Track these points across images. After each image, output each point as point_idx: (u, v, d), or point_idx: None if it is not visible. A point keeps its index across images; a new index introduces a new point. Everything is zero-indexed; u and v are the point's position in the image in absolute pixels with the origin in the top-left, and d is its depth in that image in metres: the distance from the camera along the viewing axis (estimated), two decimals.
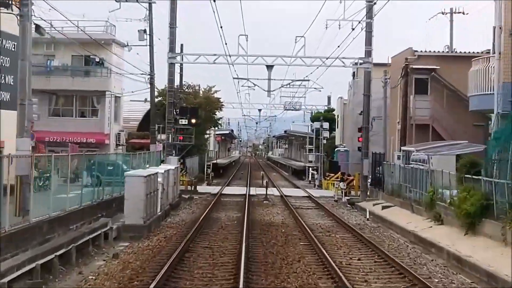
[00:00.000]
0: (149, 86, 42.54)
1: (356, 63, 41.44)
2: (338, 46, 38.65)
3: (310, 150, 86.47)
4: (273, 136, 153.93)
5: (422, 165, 31.04)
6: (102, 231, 21.57)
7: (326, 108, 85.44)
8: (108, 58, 49.37)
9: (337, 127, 71.12)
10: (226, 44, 36.75)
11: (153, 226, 25.57)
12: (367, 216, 31.38)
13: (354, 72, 63.85)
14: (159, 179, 27.82)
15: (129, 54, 56.41)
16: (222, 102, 69.10)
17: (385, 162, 39.35)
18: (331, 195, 43.79)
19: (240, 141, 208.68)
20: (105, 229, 22.10)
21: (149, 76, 42.18)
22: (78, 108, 52.11)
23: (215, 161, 70.44)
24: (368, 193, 40.86)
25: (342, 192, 41.83)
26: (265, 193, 40.93)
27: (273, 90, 42.05)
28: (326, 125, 56.98)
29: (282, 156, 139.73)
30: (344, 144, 65.81)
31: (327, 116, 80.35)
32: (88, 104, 52.94)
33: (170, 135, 40.82)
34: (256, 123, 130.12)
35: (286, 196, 42.23)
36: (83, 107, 52.79)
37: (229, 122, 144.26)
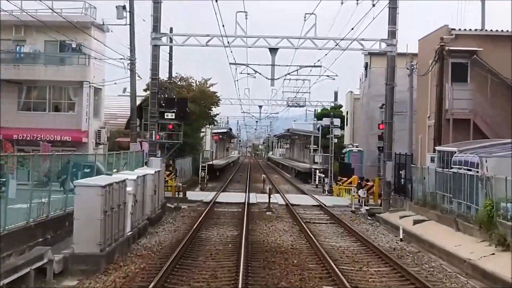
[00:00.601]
0: (132, 74, 35.71)
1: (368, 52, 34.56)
2: (352, 28, 32.10)
3: (315, 151, 79.71)
4: (274, 136, 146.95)
5: (470, 170, 24.20)
6: (31, 268, 14.67)
7: (332, 104, 78.50)
8: (87, 44, 42.59)
9: (346, 125, 64.24)
10: (223, 26, 29.85)
11: (116, 253, 18.70)
12: (400, 235, 24.44)
13: (366, 63, 56.99)
14: (129, 189, 20.95)
15: (112, 40, 49.37)
16: (218, 97, 62.23)
17: (413, 165, 32.51)
18: (346, 203, 36.94)
19: (240, 140, 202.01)
20: (39, 264, 15.24)
21: (129, 62, 35.36)
22: (51, 101, 45.27)
23: (210, 162, 63.54)
24: (390, 202, 33.99)
25: (360, 200, 34.96)
26: (267, 201, 34.01)
27: (278, 78, 35.15)
28: (337, 121, 49.99)
29: (283, 157, 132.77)
30: (355, 144, 58.95)
31: (334, 113, 73.49)
32: (63, 96, 46.15)
33: (153, 132, 33.89)
34: (256, 121, 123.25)
35: (292, 205, 35.37)
36: (57, 100, 45.99)
37: (228, 121, 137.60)
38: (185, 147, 57.81)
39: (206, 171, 59.68)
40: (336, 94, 78.65)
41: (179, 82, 58.71)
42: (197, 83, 60.14)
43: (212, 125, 69.35)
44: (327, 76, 38.33)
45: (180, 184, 35.15)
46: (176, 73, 59.54)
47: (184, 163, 53.87)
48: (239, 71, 36.29)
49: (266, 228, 26.05)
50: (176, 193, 36.01)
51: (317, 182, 56.73)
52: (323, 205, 35.73)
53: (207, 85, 60.16)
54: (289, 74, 36.04)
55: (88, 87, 44.66)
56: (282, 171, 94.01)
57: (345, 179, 43.46)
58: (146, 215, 24.98)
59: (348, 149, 50.53)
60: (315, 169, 59.97)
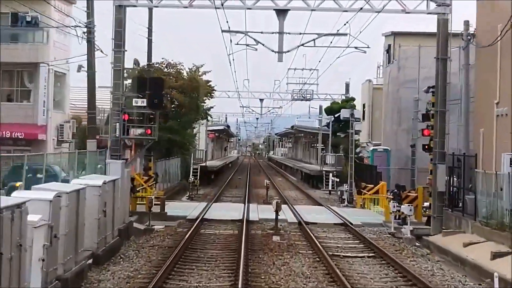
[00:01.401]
0: (90, 46, 26.37)
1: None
2: None
3: (322, 150, 70.48)
4: (276, 134, 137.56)
5: None
6: None
7: (343, 97, 69.15)
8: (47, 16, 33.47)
9: (363, 120, 54.95)
10: None
11: None
12: (496, 286, 15.10)
13: (389, 45, 47.81)
14: (34, 218, 11.73)
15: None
16: (213, 87, 52.95)
17: (477, 170, 23.33)
18: (378, 221, 27.76)
19: (239, 139, 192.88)
20: None
21: (86, 31, 26.04)
22: (0, 88, 36.08)
23: (204, 164, 54.30)
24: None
25: (397, 217, 25.65)
26: (273, 217, 24.72)
27: (287, 51, 25.80)
28: (358, 114, 40.57)
29: (286, 157, 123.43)
30: (373, 142, 49.78)
31: (346, 107, 64.21)
32: (16, 82, 37.09)
33: (117, 125, 24.58)
34: (257, 118, 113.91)
35: (307, 223, 26.15)
36: (8, 87, 36.96)
37: (226, 118, 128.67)
38: (173, 146, 48.68)
39: (198, 174, 50.48)
40: (347, 85, 69.26)
41: (165, 69, 49.43)
42: (188, 70, 50.83)
43: (206, 120, 59.86)
44: (355, 48, 29.15)
45: (153, 196, 25.69)
46: (163, 58, 50.34)
47: (170, 166, 44.67)
48: (235, 41, 26.87)
49: (274, 270, 16.76)
50: (151, 207, 26.62)
51: (330, 188, 47.47)
52: (348, 223, 26.46)
53: (199, 73, 50.88)
54: (303, 45, 26.65)
55: (46, 70, 35.63)
56: (285, 172, 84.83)
57: (371, 186, 34.23)
58: (85, 254, 15.77)
59: (371, 148, 41.22)
60: (327, 172, 50.77)
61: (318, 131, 71.48)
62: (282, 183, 59.88)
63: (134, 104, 24.88)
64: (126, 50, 25.25)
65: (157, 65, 48.76)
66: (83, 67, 27.34)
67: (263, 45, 25.80)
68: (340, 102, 67.60)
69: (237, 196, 42.54)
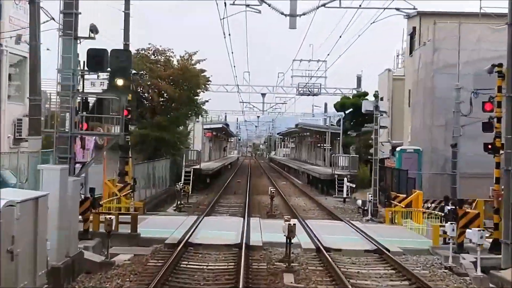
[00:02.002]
0: (34, 8, 19.44)
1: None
2: None
3: (330, 150, 63.61)
4: (278, 134, 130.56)
5: None
6: None
7: (354, 92, 62.27)
8: None
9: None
10: None
11: None
12: None
13: (413, 28, 41.00)
14: None
15: None
16: (208, 77, 46.10)
17: None
18: (420, 244, 20.81)
19: (239, 139, 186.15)
20: None
21: None
22: None
23: (197, 166, 47.33)
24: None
25: (450, 240, 18.67)
26: (282, 240, 17.80)
27: (302, 14, 18.83)
28: (384, 106, 33.35)
29: (288, 157, 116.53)
30: (394, 141, 42.97)
31: (357, 102, 57.37)
32: None
33: (68, 114, 17.62)
34: (258, 116, 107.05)
35: (328, 249, 19.22)
36: None
37: (226, 117, 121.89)
38: (161, 146, 41.79)
39: (191, 179, 43.70)
40: (359, 79, 62.42)
41: (153, 56, 42.68)
42: (179, 58, 44.04)
43: (200, 116, 52.83)
44: (397, 9, 22.22)
45: (113, 217, 18.63)
46: (149, 43, 43.61)
47: (157, 168, 37.82)
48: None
49: None
50: (110, 231, 19.61)
51: (344, 195, 40.53)
52: (385, 250, 19.49)
53: (192, 61, 44.06)
54: (324, 6, 19.69)
55: None
56: (289, 174, 77.88)
57: (402, 196, 27.25)
58: None
59: (399, 148, 34.18)
60: (341, 176, 43.88)
61: (326, 130, 64.63)
62: (286, 188, 52.94)
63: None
64: (80, 13, 18.27)
65: (143, 51, 42.03)
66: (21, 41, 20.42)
67: (269, 5, 18.80)
68: (351, 97, 60.73)
69: (235, 206, 35.63)
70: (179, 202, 33.06)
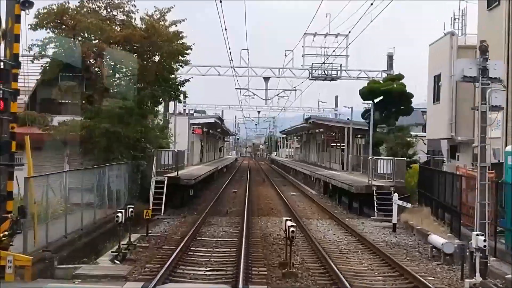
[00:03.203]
0: None
1: None
2: None
3: (342, 151, 49.85)
4: (281, 132, 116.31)
5: None
6: None
7: (384, 75, 48.19)
8: None
9: (434, 102, 34.12)
10: None
11: None
12: None
13: None
14: None
15: None
16: (189, 46, 31.74)
17: None
18: None
19: (238, 139, 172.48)
20: None
21: None
22: None
23: (174, 174, 33.10)
24: None
25: None
26: None
27: None
28: (498, 68, 19.16)
29: (293, 159, 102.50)
30: (460, 138, 29.10)
31: (390, 88, 43.56)
32: None
33: None
34: (258, 112, 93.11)
35: None
36: None
37: (222, 112, 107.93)
38: (116, 145, 27.84)
39: (164, 193, 29.94)
40: (390, 58, 48.35)
41: (105, 11, 28.50)
42: (145, 16, 29.99)
43: (178, 102, 38.12)
44: None
45: None
46: None
47: (105, 179, 23.79)
48: None
49: None
50: None
51: (394, 220, 26.43)
52: None
53: (164, 21, 30.02)
54: None
55: None
56: (296, 180, 63.91)
57: None
58: None
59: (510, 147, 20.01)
60: (382, 188, 29.94)
61: (344, 125, 50.68)
62: (299, 202, 38.93)
63: None
64: None
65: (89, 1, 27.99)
66: None
67: None
68: (381, 81, 46.70)
69: (224, 247, 21.42)
70: (122, 245, 18.91)
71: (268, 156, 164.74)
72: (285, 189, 50.76)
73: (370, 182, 31.17)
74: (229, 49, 33.97)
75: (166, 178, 31.66)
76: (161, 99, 31.23)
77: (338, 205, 37.80)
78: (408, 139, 42.53)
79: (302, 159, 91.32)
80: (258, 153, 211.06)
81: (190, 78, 34.28)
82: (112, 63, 28.01)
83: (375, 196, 30.33)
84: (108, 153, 27.08)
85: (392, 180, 31.09)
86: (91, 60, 26.64)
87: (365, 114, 45.54)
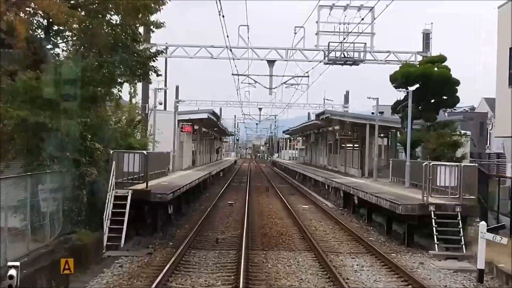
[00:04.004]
0: None
1: None
2: None
3: (360, 152, 40.64)
4: (285, 132, 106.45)
5: None
6: None
7: (420, 58, 38.37)
8: None
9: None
10: None
11: None
12: None
13: None
14: None
15: None
16: None
17: None
18: None
19: (237, 140, 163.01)
20: None
21: None
22: None
23: (141, 186, 23.26)
24: None
25: None
26: None
27: None
28: None
29: (297, 161, 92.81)
30: None
31: (431, 72, 33.85)
32: None
33: None
34: (260, 108, 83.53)
35: None
36: None
37: (220, 110, 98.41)
38: (35, 142, 17.81)
39: (126, 216, 20.14)
40: (427, 36, 38.53)
41: None
42: None
43: (146, 81, 27.73)
44: None
45: None
46: None
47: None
48: None
49: None
50: None
51: (480, 264, 16.59)
52: None
53: None
54: None
55: None
56: (303, 186, 54.29)
57: None
58: None
59: None
60: (444, 208, 20.22)
61: (367, 122, 41.09)
62: (315, 221, 29.19)
63: None
64: None
65: None
66: None
67: None
68: (418, 64, 36.91)
69: None
70: None
71: (269, 158, 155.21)
72: (294, 200, 41.04)
73: (425, 199, 21.32)
74: (223, 16, 24.14)
75: (130, 192, 21.93)
76: (123, 78, 21.38)
77: (368, 225, 28.05)
78: (455, 138, 32.81)
79: (308, 162, 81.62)
80: (258, 154, 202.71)
81: (164, 49, 24.34)
82: (40, 18, 18.26)
83: (433, 220, 20.58)
84: (30, 156, 17.34)
85: (458, 197, 21.28)
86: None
87: (398, 106, 35.77)
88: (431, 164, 21.63)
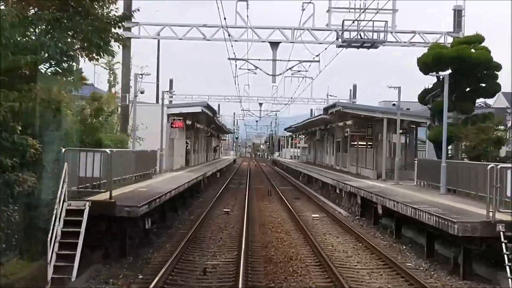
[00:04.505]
0: None
1: None
2: None
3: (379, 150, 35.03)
4: (286, 129, 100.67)
5: None
6: None
7: (450, 40, 32.55)
8: None
9: None
10: None
11: None
12: None
13: None
14: None
15: None
16: None
17: None
18: None
19: (237, 138, 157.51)
20: None
21: None
22: None
23: (104, 197, 17.53)
24: None
25: None
26: None
27: None
28: None
29: (300, 161, 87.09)
30: None
31: (467, 55, 27.95)
32: None
33: None
34: (260, 104, 77.87)
35: None
36: None
37: (219, 107, 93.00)
38: None
39: (80, 239, 14.17)
40: (459, 13, 32.67)
41: None
42: None
43: (108, 53, 22.04)
44: None
45: None
46: None
47: None
48: None
49: None
50: None
51: None
52: None
53: None
54: None
55: None
56: (308, 188, 48.62)
57: None
58: None
59: None
60: None
61: (383, 116, 35.47)
62: (330, 236, 23.42)
63: None
64: None
65: None
66: None
67: None
68: (450, 46, 31.07)
69: None
70: None
71: (269, 157, 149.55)
72: (300, 206, 35.30)
73: (491, 215, 15.51)
74: None
75: (87, 204, 16.20)
76: (75, 46, 15.60)
77: (397, 241, 22.26)
78: (499, 134, 27.06)
79: (311, 161, 75.92)
80: (258, 153, 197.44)
81: (137, 10, 18.54)
82: None
83: (504, 245, 14.80)
84: None
85: None
86: None
87: (426, 95, 29.97)
88: (498, 167, 15.79)
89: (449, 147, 30.33)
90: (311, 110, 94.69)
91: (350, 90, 76.21)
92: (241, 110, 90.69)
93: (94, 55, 16.22)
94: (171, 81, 71.92)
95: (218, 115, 79.44)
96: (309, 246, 20.82)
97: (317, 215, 30.20)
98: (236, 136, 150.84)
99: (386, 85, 38.99)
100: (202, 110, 42.01)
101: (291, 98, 70.15)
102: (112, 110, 25.27)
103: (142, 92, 30.86)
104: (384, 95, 31.52)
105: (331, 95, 78.94)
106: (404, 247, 21.34)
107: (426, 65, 28.78)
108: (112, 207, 16.78)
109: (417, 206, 19.50)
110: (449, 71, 28.84)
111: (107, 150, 17.19)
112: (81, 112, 21.22)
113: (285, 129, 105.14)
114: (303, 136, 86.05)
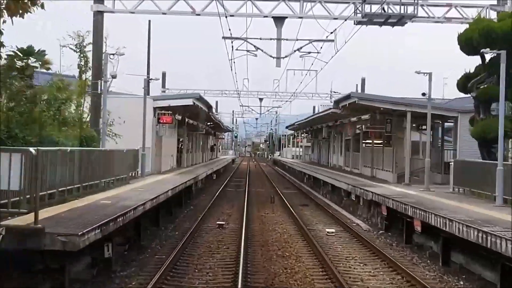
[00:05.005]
0: None
1: None
2: None
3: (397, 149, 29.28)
4: (288, 127, 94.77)
5: None
6: None
7: (493, 15, 26.74)
8: None
9: None
10: None
11: None
12: None
13: None
14: None
15: None
16: None
17: None
18: None
19: (236, 136, 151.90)
20: None
21: None
22: None
23: (11, 221, 11.89)
24: None
25: None
26: None
27: None
28: None
29: (303, 160, 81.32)
30: None
31: None
32: None
33: None
34: (260, 99, 72.16)
35: None
36: None
37: (217, 104, 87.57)
38: None
39: None
40: None
41: None
42: None
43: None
44: None
45: None
46: None
47: None
48: None
49: None
50: None
51: None
52: None
53: None
54: None
55: None
56: (315, 193, 42.99)
57: None
58: None
59: None
60: None
61: (407, 109, 29.69)
62: (354, 262, 17.72)
63: None
64: None
65: None
66: None
67: None
68: (497, 20, 25.20)
69: None
70: None
71: (269, 157, 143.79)
72: (309, 215, 29.56)
73: None
74: None
75: (1, 232, 10.41)
76: None
77: (448, 272, 16.41)
78: None
79: (316, 162, 70.16)
80: (258, 152, 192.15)
81: None
82: None
83: None
84: None
85: None
86: None
87: (468, 81, 24.13)
88: None
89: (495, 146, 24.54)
90: (314, 107, 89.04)
91: (357, 85, 70.33)
92: (240, 106, 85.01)
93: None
94: (163, 74, 66.27)
95: (216, 113, 73.81)
96: (331, 281, 15.03)
97: (332, 230, 24.37)
98: (235, 134, 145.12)
99: (406, 74, 33.04)
100: (194, 103, 36.15)
101: (294, 93, 64.44)
102: (68, 96, 19.53)
103: (114, 77, 25.05)
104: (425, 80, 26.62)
105: (335, 92, 73.01)
106: (461, 282, 15.53)
107: (471, 42, 22.92)
108: (37, 236, 10.95)
109: (487, 230, 13.70)
110: (495, 52, 22.99)
111: (31, 149, 11.34)
112: (17, 94, 15.48)
113: (287, 127, 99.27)
114: (306, 134, 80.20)
